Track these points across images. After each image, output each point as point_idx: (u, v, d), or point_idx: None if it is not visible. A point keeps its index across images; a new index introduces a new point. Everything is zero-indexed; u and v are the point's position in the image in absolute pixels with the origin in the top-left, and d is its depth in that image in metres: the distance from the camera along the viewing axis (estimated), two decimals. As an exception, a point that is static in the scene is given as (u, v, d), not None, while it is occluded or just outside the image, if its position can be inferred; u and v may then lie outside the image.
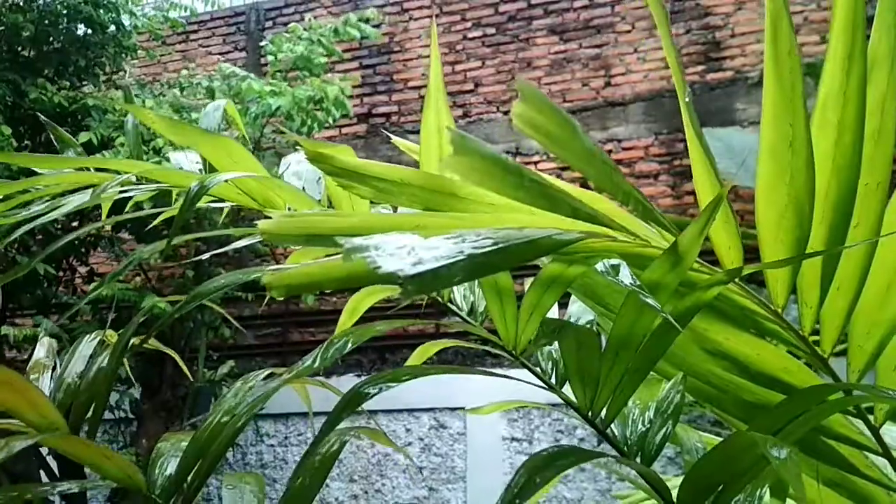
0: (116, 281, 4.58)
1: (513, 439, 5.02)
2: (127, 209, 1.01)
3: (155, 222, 1.12)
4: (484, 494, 4.91)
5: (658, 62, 5.53)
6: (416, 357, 0.98)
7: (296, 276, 0.51)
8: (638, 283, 0.52)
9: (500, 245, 0.44)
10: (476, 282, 0.88)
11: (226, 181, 0.78)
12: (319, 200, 0.88)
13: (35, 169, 0.98)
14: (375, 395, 0.64)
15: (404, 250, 0.42)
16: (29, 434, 0.82)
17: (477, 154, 0.44)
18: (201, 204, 0.89)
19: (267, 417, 5.45)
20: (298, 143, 0.63)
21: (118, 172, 0.90)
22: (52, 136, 1.17)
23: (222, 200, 0.93)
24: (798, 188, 0.55)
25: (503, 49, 5.87)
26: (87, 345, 1.11)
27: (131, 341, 1.19)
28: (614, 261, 0.57)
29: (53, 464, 1.11)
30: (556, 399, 1.10)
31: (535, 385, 0.80)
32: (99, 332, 1.18)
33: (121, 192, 0.89)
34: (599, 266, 0.56)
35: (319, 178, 0.90)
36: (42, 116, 1.33)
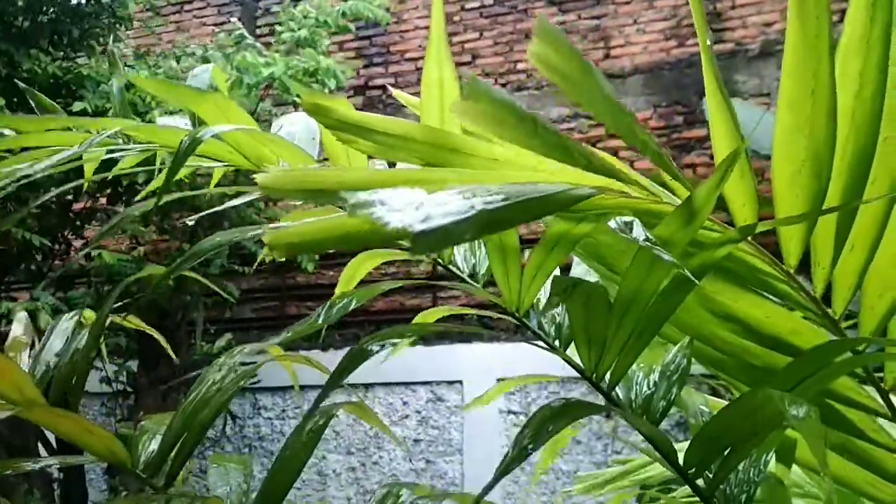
0: (115, 252, 4.56)
1: (509, 412, 5.04)
2: (115, 170, 0.97)
3: (150, 188, 1.09)
4: (481, 466, 4.93)
5: (657, 34, 5.48)
6: (422, 320, 0.96)
7: (297, 233, 0.49)
8: (651, 238, 0.50)
9: (512, 200, 0.42)
10: (478, 243, 0.86)
11: (218, 138, 0.75)
12: (317, 160, 0.85)
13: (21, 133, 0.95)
14: (378, 352, 0.62)
15: (412, 206, 0.40)
16: (2, 407, 0.80)
17: (490, 99, 0.42)
18: (192, 163, 0.86)
19: (264, 391, 5.46)
20: (298, 97, 0.60)
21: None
22: (36, 105, 1.14)
23: (215, 162, 0.89)
24: (818, 140, 0.53)
25: (501, 20, 5.81)
26: (66, 322, 1.09)
27: (111, 318, 1.16)
28: (627, 217, 0.55)
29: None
30: (552, 372, 1.09)
31: (539, 346, 0.78)
32: (78, 310, 1.16)
33: (107, 152, 0.86)
34: (612, 223, 0.54)
35: (314, 137, 0.87)
36: (22, 84, 1.30)
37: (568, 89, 0.46)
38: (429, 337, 5.18)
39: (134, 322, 1.27)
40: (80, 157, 0.90)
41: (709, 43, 0.53)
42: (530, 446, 0.40)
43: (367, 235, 0.49)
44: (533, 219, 0.48)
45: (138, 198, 1.07)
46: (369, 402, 5.22)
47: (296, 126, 0.95)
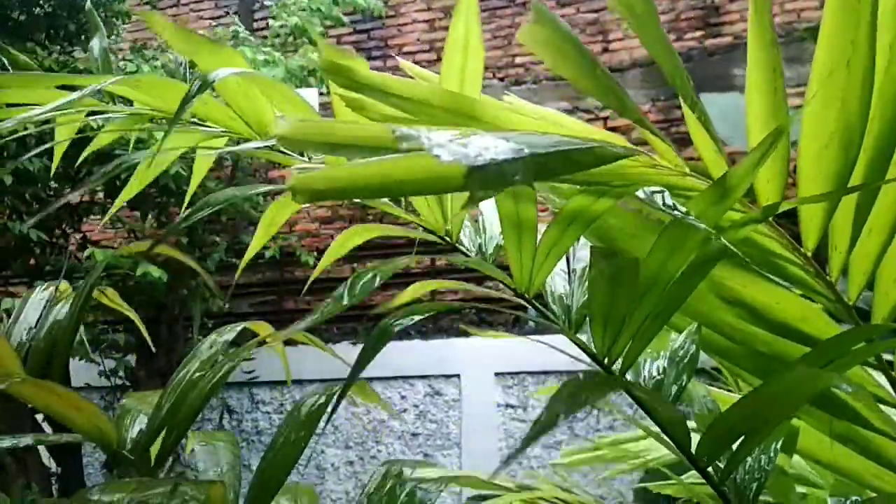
0: (110, 248, 4.54)
1: (507, 406, 5.03)
2: (91, 148, 0.90)
3: (152, 152, 1.01)
4: (478, 460, 4.93)
5: (656, 28, 5.47)
6: (410, 293, 0.92)
7: (324, 178, 0.44)
8: (683, 212, 0.49)
9: (561, 148, 0.40)
10: (482, 223, 0.84)
11: (218, 97, 0.70)
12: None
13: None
14: (401, 329, 0.61)
15: (460, 142, 0.37)
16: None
17: (556, 27, 0.40)
18: (191, 131, 0.80)
19: (262, 385, 5.45)
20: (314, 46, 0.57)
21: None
22: None
23: (213, 128, 0.83)
24: (850, 112, 0.51)
25: (499, 13, 5.79)
26: (39, 293, 1.04)
27: (102, 305, 1.11)
28: (655, 188, 0.53)
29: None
30: (549, 367, 1.08)
31: (535, 340, 0.77)
32: (51, 282, 1.10)
33: (88, 114, 0.80)
34: (640, 194, 0.52)
35: (313, 107, 0.82)
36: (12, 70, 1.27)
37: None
38: (426, 331, 5.18)
39: (113, 298, 1.21)
40: (49, 117, 0.81)
41: (764, 21, 0.51)
42: (561, 416, 0.39)
43: (411, 177, 0.44)
44: (578, 170, 0.45)
45: (120, 180, 0.98)
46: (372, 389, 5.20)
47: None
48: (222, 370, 0.82)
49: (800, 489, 1.14)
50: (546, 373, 4.84)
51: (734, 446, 0.70)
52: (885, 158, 0.56)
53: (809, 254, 0.65)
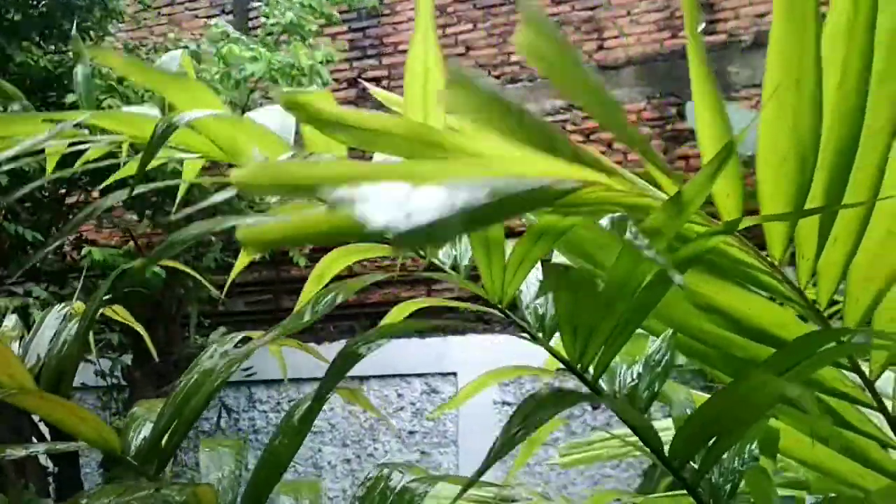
0: (107, 247, 4.55)
1: (504, 403, 5.05)
2: (79, 164, 0.95)
3: (116, 176, 1.04)
4: (475, 457, 4.94)
5: (651, 25, 5.48)
6: (395, 314, 0.94)
7: (273, 229, 0.46)
8: (637, 232, 0.50)
9: (497, 197, 0.41)
10: (459, 236, 0.85)
11: (191, 127, 0.73)
12: (293, 156, 0.83)
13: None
14: (367, 354, 0.62)
15: (395, 202, 0.39)
16: (-7, 392, 0.80)
17: (474, 87, 0.41)
18: (164, 155, 0.83)
19: (259, 384, 5.47)
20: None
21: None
22: (44, 102, 1.13)
23: (188, 154, 0.87)
24: (802, 132, 0.53)
25: (495, 11, 5.80)
26: (56, 313, 1.10)
27: (101, 310, 1.16)
28: (618, 214, 0.55)
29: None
30: (546, 365, 1.09)
31: (523, 338, 0.78)
32: (68, 302, 1.16)
33: (70, 144, 0.84)
34: (604, 221, 0.54)
35: (291, 131, 0.85)
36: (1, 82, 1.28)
37: (557, 78, 0.45)
38: (423, 329, 5.19)
39: (122, 314, 1.27)
40: (44, 150, 0.87)
41: (698, 35, 0.52)
42: (519, 434, 0.40)
43: (349, 231, 0.48)
44: (518, 214, 0.47)
45: (107, 181, 1.03)
46: (364, 395, 5.22)
47: (270, 118, 0.92)
48: (220, 377, 0.85)
49: (790, 492, 1.15)
50: (543, 370, 4.85)
51: (708, 447, 0.71)
52: (845, 169, 0.57)
53: (776, 262, 0.66)
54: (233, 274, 1.03)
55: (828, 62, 0.53)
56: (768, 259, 0.65)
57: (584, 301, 0.60)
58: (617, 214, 0.56)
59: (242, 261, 0.97)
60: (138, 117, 0.85)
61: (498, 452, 0.50)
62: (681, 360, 0.89)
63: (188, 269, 1.43)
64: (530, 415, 0.48)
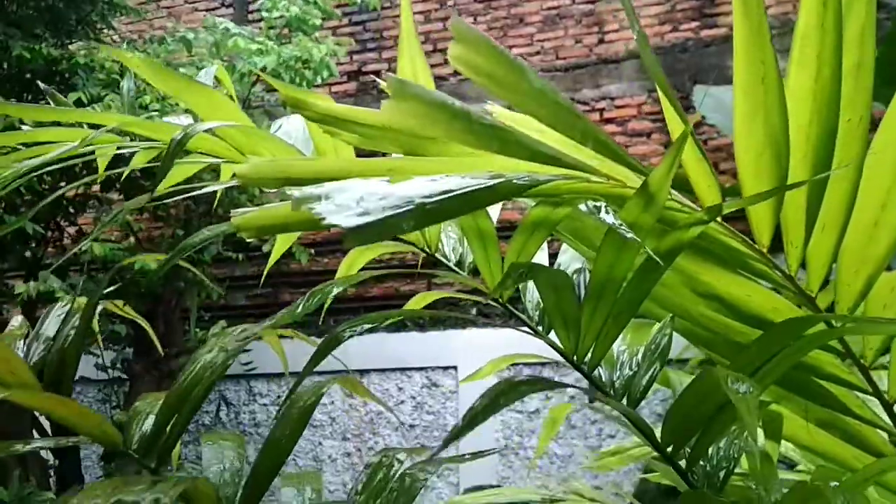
0: (107, 242, 4.55)
1: (504, 397, 5.06)
2: (104, 166, 0.99)
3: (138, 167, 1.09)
4: (475, 451, 4.95)
5: (651, 18, 5.47)
6: (413, 304, 0.98)
7: (265, 217, 0.52)
8: (618, 221, 0.52)
9: (457, 191, 0.44)
10: (460, 231, 0.87)
11: (211, 133, 0.76)
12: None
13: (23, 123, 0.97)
14: (350, 337, 0.64)
15: (353, 200, 0.43)
16: (-2, 390, 0.82)
17: (418, 99, 0.44)
18: (189, 161, 0.87)
19: (260, 377, 5.48)
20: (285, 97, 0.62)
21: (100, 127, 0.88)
22: (43, 95, 1.16)
23: (211, 159, 0.91)
24: (774, 126, 0.54)
25: (495, 5, 5.79)
26: (59, 308, 1.11)
27: (105, 305, 1.18)
28: (597, 202, 0.56)
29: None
30: (545, 357, 1.10)
31: (523, 331, 0.79)
32: (72, 297, 1.18)
33: (117, 148, 0.88)
34: (583, 207, 0.56)
35: (308, 137, 0.89)
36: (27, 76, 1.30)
37: (497, 90, 0.47)
38: (423, 322, 5.20)
39: (125, 310, 1.29)
40: (84, 151, 0.92)
41: (636, 35, 0.53)
42: (480, 416, 0.43)
43: (316, 224, 0.52)
44: (474, 209, 0.49)
45: (121, 178, 1.09)
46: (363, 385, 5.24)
47: (292, 123, 0.97)
48: (217, 369, 0.86)
49: (794, 476, 1.16)
50: (543, 364, 4.87)
51: (699, 434, 0.72)
52: (826, 159, 0.58)
53: (765, 250, 0.67)
54: (269, 263, 1.11)
55: (804, 58, 0.54)
56: (757, 247, 0.66)
57: (564, 297, 0.62)
58: (595, 203, 0.58)
59: (279, 249, 1.04)
60: (167, 127, 0.90)
61: (458, 434, 0.53)
62: (688, 353, 0.90)
63: (189, 266, 1.44)
64: (496, 398, 0.51)
